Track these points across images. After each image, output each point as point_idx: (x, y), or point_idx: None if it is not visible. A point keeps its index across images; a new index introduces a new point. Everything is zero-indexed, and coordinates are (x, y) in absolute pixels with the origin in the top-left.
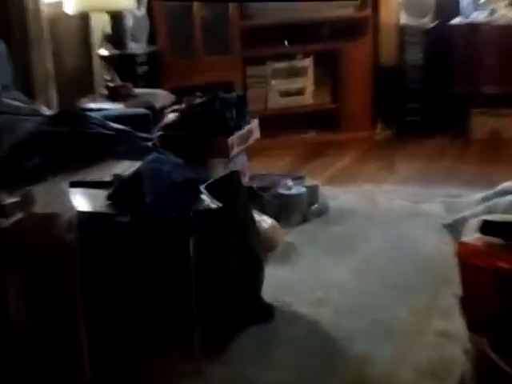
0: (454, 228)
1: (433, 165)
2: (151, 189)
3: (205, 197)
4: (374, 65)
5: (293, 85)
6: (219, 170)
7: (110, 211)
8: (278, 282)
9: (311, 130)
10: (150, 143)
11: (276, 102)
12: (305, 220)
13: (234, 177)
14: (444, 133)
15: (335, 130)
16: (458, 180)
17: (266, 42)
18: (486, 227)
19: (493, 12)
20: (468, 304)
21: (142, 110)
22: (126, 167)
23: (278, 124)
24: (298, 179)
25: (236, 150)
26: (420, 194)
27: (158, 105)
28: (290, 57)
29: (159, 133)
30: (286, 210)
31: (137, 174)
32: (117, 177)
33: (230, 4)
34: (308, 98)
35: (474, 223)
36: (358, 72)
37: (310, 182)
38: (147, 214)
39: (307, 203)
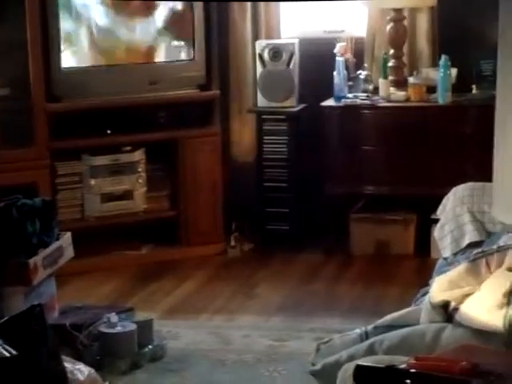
0: (325, 376)
1: (303, 289)
2: None
3: None
4: (225, 160)
5: (118, 186)
6: (17, 304)
7: None
8: None
9: (144, 245)
10: None
11: (96, 208)
12: (135, 366)
13: (35, 313)
14: (318, 246)
15: (175, 245)
16: (334, 309)
17: (81, 131)
18: (360, 375)
19: (374, 91)
20: None
21: None
22: None
23: (99, 238)
24: (125, 312)
25: (41, 274)
26: (286, 329)
27: None
28: (113, 149)
29: None
30: (109, 355)
31: None
32: None
33: (34, 82)
34: (139, 203)
35: (350, 369)
36: (204, 169)
37: (141, 315)
38: None
39: (138, 344)
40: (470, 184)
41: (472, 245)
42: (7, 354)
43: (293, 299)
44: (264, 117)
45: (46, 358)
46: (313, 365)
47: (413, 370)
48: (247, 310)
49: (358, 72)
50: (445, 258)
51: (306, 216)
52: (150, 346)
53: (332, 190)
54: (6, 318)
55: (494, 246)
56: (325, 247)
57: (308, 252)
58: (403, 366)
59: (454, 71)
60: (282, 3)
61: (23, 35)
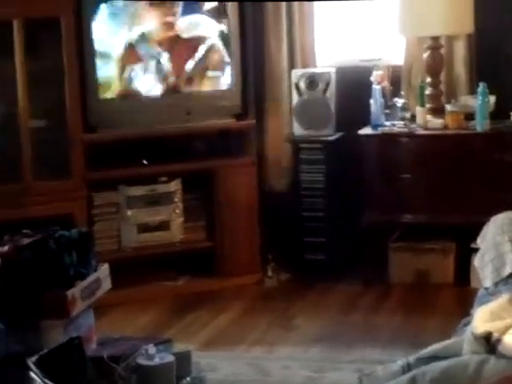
0: None
1: (342, 319)
2: None
3: (35, 375)
4: (262, 189)
5: (155, 216)
6: (56, 336)
7: None
8: None
9: (181, 276)
10: None
11: (133, 239)
12: None
13: (74, 345)
14: (356, 276)
15: (213, 276)
16: (373, 340)
17: (118, 162)
18: None
19: (411, 119)
20: None
21: None
22: None
23: (136, 269)
24: (163, 344)
25: (79, 306)
26: (326, 360)
27: None
28: (150, 180)
29: None
30: None
31: None
32: None
33: (70, 113)
34: (175, 234)
35: None
36: (241, 199)
37: (179, 347)
38: None
39: (176, 376)
40: (510, 212)
41: None
42: None
43: (331, 330)
44: (301, 145)
45: None
46: None
47: None
48: (285, 341)
49: (395, 100)
50: (486, 288)
51: (343, 245)
52: (188, 378)
53: (370, 219)
54: (45, 351)
55: None
56: (363, 277)
57: (346, 282)
58: None
59: (492, 98)
60: (318, 29)
61: (59, 67)
